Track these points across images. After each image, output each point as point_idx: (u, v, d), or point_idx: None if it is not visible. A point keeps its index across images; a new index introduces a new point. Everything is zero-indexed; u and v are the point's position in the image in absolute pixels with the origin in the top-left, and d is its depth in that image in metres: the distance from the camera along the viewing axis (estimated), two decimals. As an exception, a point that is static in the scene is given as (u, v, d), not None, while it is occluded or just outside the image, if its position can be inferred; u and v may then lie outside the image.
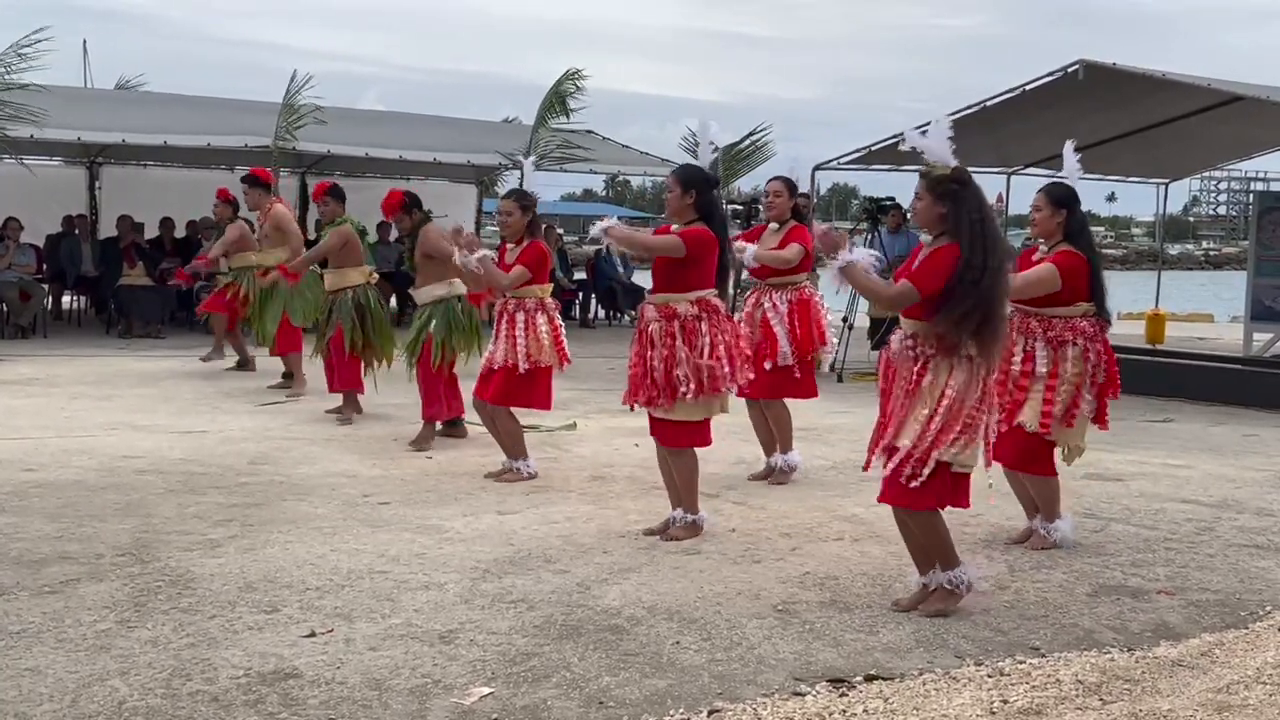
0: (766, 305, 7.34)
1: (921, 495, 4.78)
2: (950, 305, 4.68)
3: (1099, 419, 6.01)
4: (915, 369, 4.78)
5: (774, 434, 7.48)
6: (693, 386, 5.80)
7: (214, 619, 4.67)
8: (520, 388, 7.30)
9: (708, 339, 5.86)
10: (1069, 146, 6.27)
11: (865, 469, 5.02)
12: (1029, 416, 5.80)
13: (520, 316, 7.26)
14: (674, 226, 5.99)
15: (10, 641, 4.38)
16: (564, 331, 7.48)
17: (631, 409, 6.11)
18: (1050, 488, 5.99)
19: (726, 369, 5.90)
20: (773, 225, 7.47)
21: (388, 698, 3.96)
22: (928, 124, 5.01)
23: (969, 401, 4.75)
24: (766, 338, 7.28)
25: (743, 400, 7.15)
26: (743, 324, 7.25)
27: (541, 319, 7.30)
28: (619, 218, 6.41)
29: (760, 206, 12.65)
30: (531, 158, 7.86)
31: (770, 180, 7.61)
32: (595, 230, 5.93)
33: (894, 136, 14.96)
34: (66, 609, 4.75)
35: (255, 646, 4.38)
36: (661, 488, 6.56)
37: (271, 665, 4.21)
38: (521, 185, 7.83)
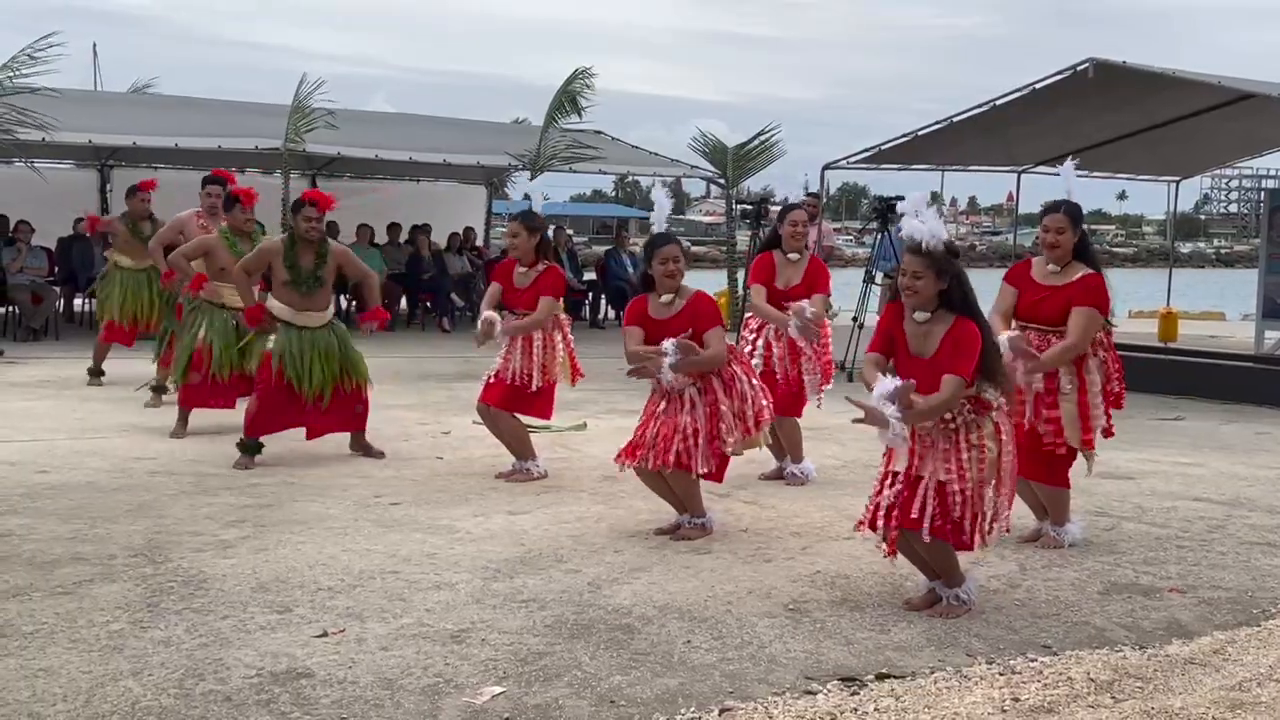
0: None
1: (958, 532, 4.81)
2: (988, 376, 4.80)
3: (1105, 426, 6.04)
4: (958, 434, 4.77)
5: (784, 445, 7.47)
6: (739, 433, 5.88)
7: (226, 619, 4.69)
8: (526, 398, 7.36)
9: (745, 378, 5.97)
10: (1069, 164, 6.21)
11: (867, 529, 4.95)
12: (1070, 436, 5.81)
13: (538, 335, 7.31)
14: (663, 298, 6.03)
15: (24, 642, 4.40)
16: (574, 344, 7.55)
17: (657, 468, 5.91)
18: (1064, 496, 6.00)
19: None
20: (792, 255, 7.40)
21: (400, 697, 3.97)
22: (907, 198, 4.97)
23: (1009, 452, 4.84)
24: (792, 361, 7.26)
25: None
26: (758, 350, 7.22)
27: (558, 337, 7.40)
28: (632, 220, 6.43)
29: (771, 206, 12.65)
30: (540, 186, 7.74)
31: (794, 210, 7.44)
32: (665, 375, 5.84)
33: (904, 136, 14.97)
34: (80, 609, 4.76)
35: (267, 646, 4.39)
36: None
37: (284, 665, 4.22)
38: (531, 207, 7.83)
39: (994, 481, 4.82)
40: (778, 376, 7.20)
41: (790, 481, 7.39)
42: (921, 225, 4.77)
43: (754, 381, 6.04)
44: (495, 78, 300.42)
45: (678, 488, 6.02)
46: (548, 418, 7.70)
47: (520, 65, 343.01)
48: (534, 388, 7.28)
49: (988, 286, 6.12)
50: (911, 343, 4.83)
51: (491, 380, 7.41)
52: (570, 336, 7.53)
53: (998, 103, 14.00)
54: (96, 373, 11.26)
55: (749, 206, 18.25)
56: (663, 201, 6.64)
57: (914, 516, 4.74)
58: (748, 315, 7.64)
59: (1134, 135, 15.89)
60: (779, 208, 7.81)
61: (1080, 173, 18.61)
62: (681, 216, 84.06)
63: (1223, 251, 78.34)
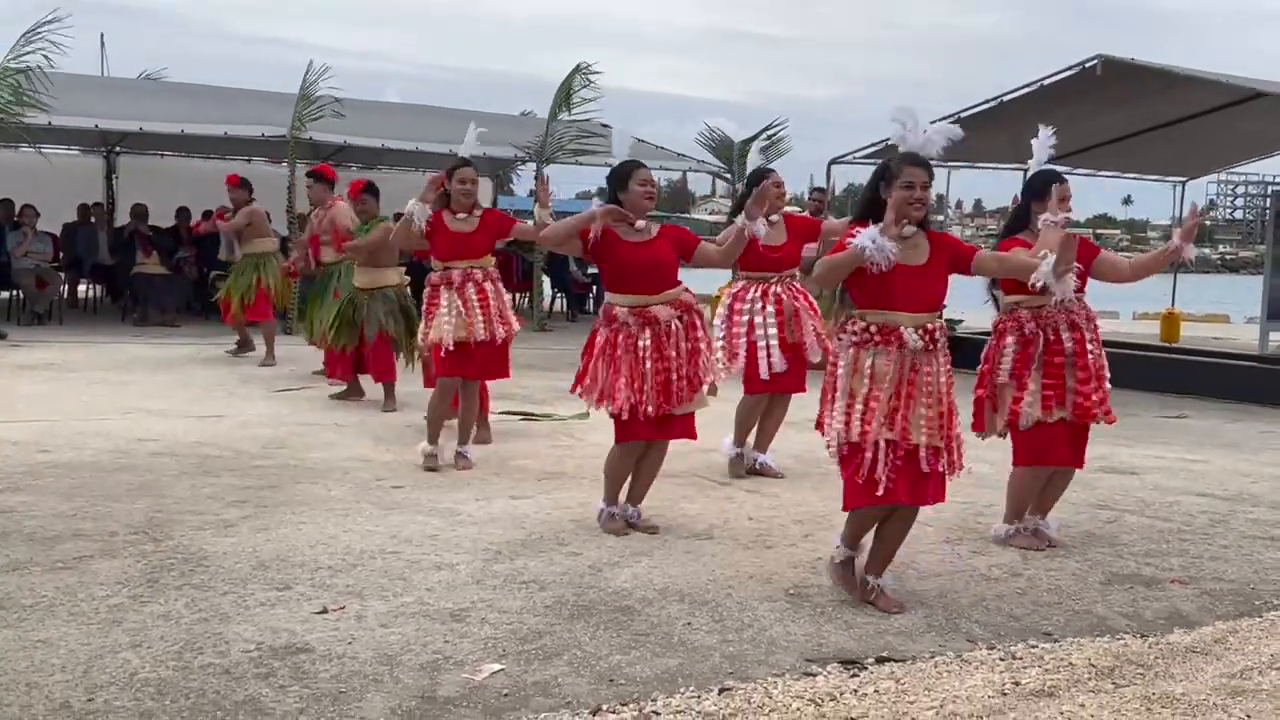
0: (800, 298, 7.15)
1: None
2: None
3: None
4: (939, 362, 4.70)
5: (765, 431, 7.36)
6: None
7: (226, 595, 4.68)
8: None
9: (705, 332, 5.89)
10: (1043, 133, 5.98)
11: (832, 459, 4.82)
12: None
13: (471, 288, 7.20)
14: (644, 224, 5.78)
15: (23, 614, 4.40)
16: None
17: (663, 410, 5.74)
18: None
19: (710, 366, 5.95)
20: (773, 217, 7.21)
21: (399, 673, 3.97)
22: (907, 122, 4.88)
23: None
24: (800, 331, 7.07)
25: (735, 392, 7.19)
26: (763, 316, 7.08)
27: (490, 288, 7.28)
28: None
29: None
30: (477, 129, 7.49)
31: (770, 172, 7.07)
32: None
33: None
34: (79, 584, 4.76)
35: (267, 622, 4.39)
36: (673, 474, 6.59)
37: (283, 640, 4.21)
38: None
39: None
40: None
41: (734, 462, 7.24)
42: (920, 135, 4.74)
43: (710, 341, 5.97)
44: (509, 74, 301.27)
45: (658, 469, 5.97)
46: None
47: (535, 62, 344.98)
48: (499, 340, 7.24)
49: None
50: (901, 256, 4.60)
51: (462, 351, 7.20)
52: (501, 288, 7.40)
53: (1005, 99, 13.97)
54: (247, 345, 12.24)
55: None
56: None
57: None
58: (735, 288, 7.18)
59: (1142, 134, 15.85)
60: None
61: (1087, 171, 18.46)
62: (686, 215, 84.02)
63: (1228, 257, 78.16)
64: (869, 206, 4.78)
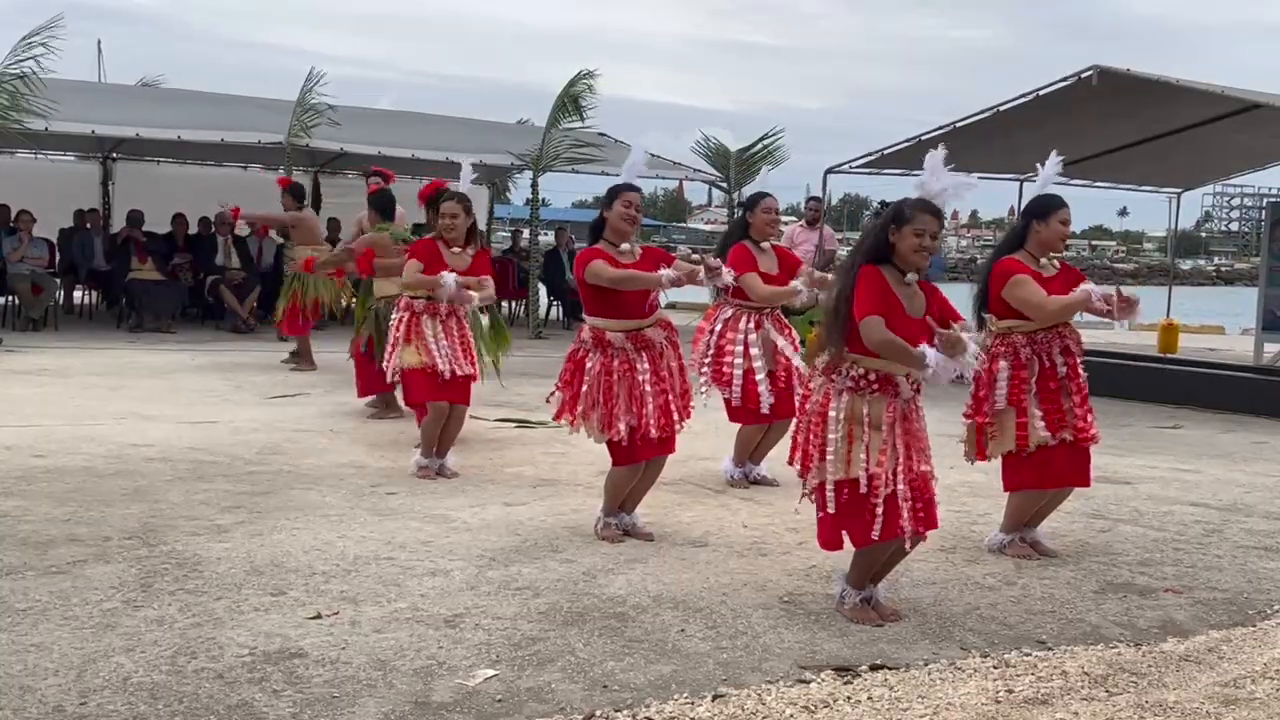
0: (784, 331, 7.15)
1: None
2: None
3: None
4: (919, 404, 4.74)
5: (762, 448, 7.33)
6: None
7: (220, 600, 4.68)
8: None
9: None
10: (1052, 159, 6.01)
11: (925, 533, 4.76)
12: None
13: (455, 325, 7.26)
14: (628, 245, 5.81)
15: (16, 619, 4.39)
16: None
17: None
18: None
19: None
20: (764, 244, 7.14)
21: (392, 678, 3.96)
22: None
23: None
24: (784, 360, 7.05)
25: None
26: (758, 349, 6.98)
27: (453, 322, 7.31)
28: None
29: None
30: (470, 159, 7.62)
31: (767, 197, 7.15)
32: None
33: (906, 140, 14.97)
34: (73, 588, 4.75)
35: (261, 627, 4.39)
36: (669, 482, 6.58)
37: (277, 645, 4.21)
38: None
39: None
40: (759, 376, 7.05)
41: (735, 481, 7.23)
42: (939, 184, 4.67)
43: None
44: (506, 84, 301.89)
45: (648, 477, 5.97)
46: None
47: (532, 72, 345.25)
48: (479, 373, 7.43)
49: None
50: (906, 305, 4.65)
51: (462, 380, 7.25)
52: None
53: (1001, 109, 14.00)
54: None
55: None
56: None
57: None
58: (726, 314, 7.08)
59: (1137, 145, 15.88)
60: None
61: (1082, 181, 18.45)
62: (682, 224, 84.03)
63: (1223, 269, 78.21)
64: (880, 249, 4.65)
